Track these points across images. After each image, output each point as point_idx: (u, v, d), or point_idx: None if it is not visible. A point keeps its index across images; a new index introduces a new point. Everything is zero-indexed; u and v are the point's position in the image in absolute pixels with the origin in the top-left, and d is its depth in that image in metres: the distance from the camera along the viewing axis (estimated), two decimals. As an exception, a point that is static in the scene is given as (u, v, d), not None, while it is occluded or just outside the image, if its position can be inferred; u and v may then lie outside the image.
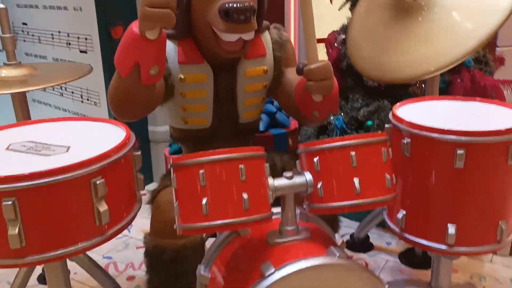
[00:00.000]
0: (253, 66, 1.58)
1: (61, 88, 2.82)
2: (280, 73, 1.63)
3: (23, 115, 1.49)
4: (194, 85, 1.54)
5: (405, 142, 1.28)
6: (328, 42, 2.36)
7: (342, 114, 2.32)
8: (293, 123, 2.43)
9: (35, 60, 2.96)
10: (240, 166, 1.03)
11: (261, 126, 2.43)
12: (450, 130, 1.20)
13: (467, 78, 2.08)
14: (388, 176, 1.13)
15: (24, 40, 2.99)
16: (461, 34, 1.46)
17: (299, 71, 1.42)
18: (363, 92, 2.27)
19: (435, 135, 1.21)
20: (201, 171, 1.01)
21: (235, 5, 1.37)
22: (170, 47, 1.52)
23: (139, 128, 2.77)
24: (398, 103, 1.45)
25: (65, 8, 2.57)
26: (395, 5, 1.67)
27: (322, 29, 2.69)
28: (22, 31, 2.98)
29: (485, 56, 2.31)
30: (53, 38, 2.73)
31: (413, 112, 1.39)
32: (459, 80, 2.08)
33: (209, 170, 1.01)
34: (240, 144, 1.71)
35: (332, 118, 2.32)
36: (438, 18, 1.54)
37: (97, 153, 1.00)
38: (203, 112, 1.60)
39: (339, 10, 2.40)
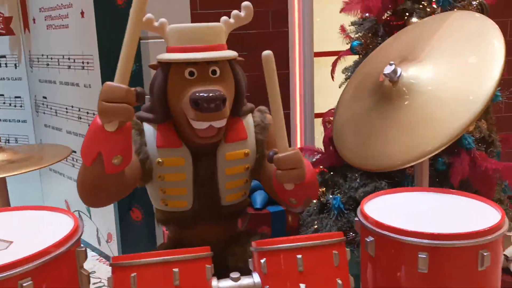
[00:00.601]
0: (233, 149, 1.57)
1: (73, 159, 2.90)
2: (262, 156, 1.61)
3: (2, 200, 1.53)
4: (172, 168, 1.54)
5: (369, 240, 1.21)
6: (324, 119, 2.34)
7: (340, 193, 2.25)
8: (292, 201, 2.37)
9: (52, 131, 3.08)
10: (174, 269, 0.99)
11: (258, 203, 2.39)
12: (412, 231, 1.12)
13: (466, 161, 1.98)
14: (340, 282, 1.05)
15: (44, 113, 3.14)
16: (440, 122, 1.41)
17: (269, 159, 1.40)
18: (361, 171, 2.20)
19: (397, 236, 1.14)
20: (132, 274, 0.98)
21: (204, 95, 1.39)
22: (150, 131, 1.55)
23: (144, 201, 2.78)
24: (370, 195, 1.39)
25: (77, 84, 2.69)
26: (378, 91, 1.64)
27: (321, 105, 2.70)
28: (43, 104, 3.13)
29: (490, 136, 2.22)
30: (67, 112, 2.86)
31: (382, 207, 1.32)
32: (460, 163, 1.99)
33: (140, 274, 0.98)
34: (225, 226, 1.68)
35: (330, 197, 2.26)
36: (418, 105, 1.50)
37: (34, 250, 0.99)
38: (183, 195, 1.58)
39: (339, 87, 2.40)
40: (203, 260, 1.05)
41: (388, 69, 1.57)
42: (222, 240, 1.65)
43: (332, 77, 2.47)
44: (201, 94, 1.39)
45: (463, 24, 1.59)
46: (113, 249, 2.68)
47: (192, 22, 2.68)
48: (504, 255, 1.87)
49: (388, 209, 1.31)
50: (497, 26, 1.47)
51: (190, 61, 1.45)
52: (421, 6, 2.03)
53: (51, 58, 2.91)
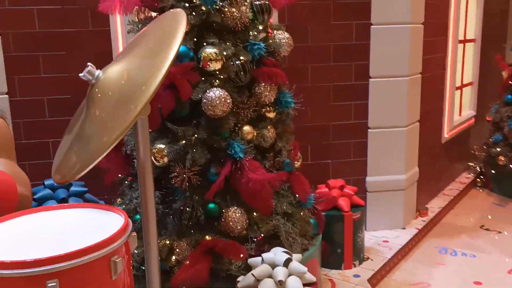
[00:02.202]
0: None
1: None
2: None
3: None
4: None
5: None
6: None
7: (124, 204, 2.11)
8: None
9: None
10: None
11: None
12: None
13: (225, 171, 1.85)
14: None
15: None
16: (99, 134, 1.27)
17: None
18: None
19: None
20: None
21: None
22: None
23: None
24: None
25: None
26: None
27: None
28: None
29: (277, 144, 2.09)
30: None
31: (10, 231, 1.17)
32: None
33: None
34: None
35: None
36: (95, 110, 1.35)
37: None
38: None
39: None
40: None
41: (84, 71, 1.42)
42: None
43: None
44: None
45: (166, 23, 1.46)
46: None
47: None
48: (252, 274, 1.73)
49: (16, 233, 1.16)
50: (183, 29, 1.33)
51: None
52: (186, 4, 1.89)
53: None
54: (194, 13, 1.93)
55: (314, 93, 2.92)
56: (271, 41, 2.03)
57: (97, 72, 1.44)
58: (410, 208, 3.31)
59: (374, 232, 3.12)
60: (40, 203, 2.27)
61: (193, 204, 1.90)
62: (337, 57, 2.92)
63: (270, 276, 1.75)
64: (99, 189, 2.59)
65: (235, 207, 1.92)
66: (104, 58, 2.81)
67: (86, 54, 2.66)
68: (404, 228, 3.21)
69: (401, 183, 3.12)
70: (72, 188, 2.34)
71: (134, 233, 1.28)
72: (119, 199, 2.25)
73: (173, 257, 1.90)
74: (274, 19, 2.77)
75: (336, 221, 2.56)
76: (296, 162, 2.26)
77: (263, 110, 2.08)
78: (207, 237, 1.91)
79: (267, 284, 1.71)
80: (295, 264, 1.76)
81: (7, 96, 2.60)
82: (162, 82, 1.24)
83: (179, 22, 1.38)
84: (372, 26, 2.90)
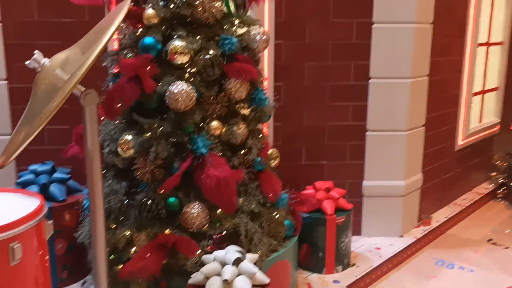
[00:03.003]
0: None
1: None
2: None
3: None
4: None
5: None
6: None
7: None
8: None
9: None
10: None
11: (60, 195, 2.31)
12: None
13: (183, 167, 1.83)
14: None
15: None
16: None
17: None
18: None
19: None
20: None
21: None
22: None
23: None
24: None
25: None
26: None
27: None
28: None
29: (247, 142, 2.05)
30: None
31: None
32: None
33: None
34: None
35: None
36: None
37: None
38: None
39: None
40: None
41: (31, 58, 1.45)
42: None
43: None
44: None
45: (113, 13, 1.46)
46: None
47: None
48: (201, 271, 1.71)
49: None
50: (117, 23, 1.33)
51: None
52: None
53: None
54: (167, 5, 1.92)
55: (310, 93, 2.85)
56: (246, 36, 1.99)
57: (43, 60, 1.46)
58: (410, 216, 3.17)
59: (368, 239, 3.02)
60: (23, 187, 2.33)
61: (154, 197, 1.90)
62: (336, 56, 2.83)
63: (219, 275, 1.72)
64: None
65: (197, 203, 1.90)
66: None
67: (82, 44, 2.70)
68: (401, 236, 3.08)
69: (399, 189, 3.00)
70: (55, 175, 2.39)
71: (49, 221, 1.29)
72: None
73: (132, 249, 1.91)
74: (270, 14, 2.73)
75: (318, 224, 2.49)
76: (272, 161, 2.22)
77: (237, 106, 2.05)
78: (166, 231, 1.90)
79: (214, 282, 1.69)
80: (245, 264, 1.72)
81: (6, 82, 2.70)
82: (81, 79, 1.25)
83: (118, 16, 1.38)
84: (374, 25, 2.79)
